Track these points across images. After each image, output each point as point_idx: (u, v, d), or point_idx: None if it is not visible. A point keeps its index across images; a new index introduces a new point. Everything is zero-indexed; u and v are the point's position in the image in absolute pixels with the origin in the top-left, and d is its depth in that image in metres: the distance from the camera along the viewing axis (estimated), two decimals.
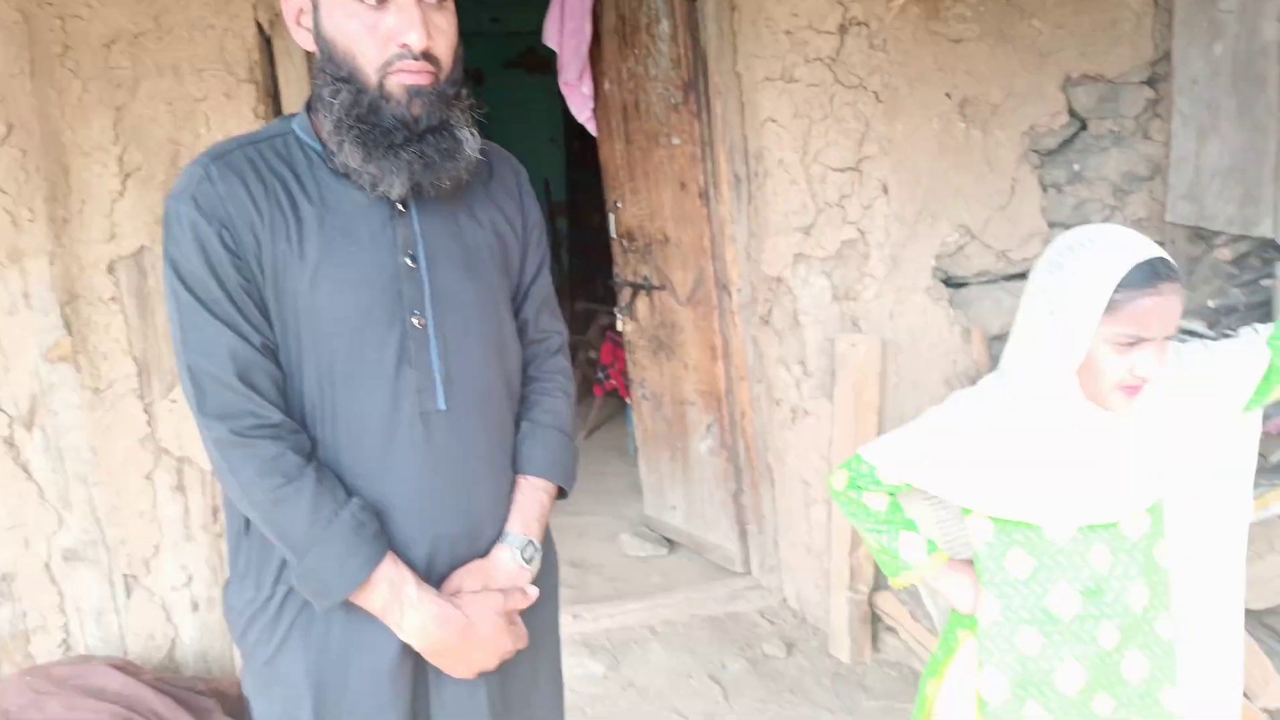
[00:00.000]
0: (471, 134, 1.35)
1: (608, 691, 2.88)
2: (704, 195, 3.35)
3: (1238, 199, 2.79)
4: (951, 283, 3.23)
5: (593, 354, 5.19)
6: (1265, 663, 1.94)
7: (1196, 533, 1.52)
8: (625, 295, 3.90)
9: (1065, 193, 3.19)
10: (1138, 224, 3.18)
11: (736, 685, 2.88)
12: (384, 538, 1.30)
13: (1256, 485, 2.23)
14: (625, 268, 3.89)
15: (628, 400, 4.24)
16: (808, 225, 3.10)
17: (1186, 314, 2.98)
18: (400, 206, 1.34)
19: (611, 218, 3.94)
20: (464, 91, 1.35)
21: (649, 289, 3.75)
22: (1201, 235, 3.04)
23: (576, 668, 2.97)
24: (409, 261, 1.33)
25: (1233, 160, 2.80)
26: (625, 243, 3.87)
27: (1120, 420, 1.44)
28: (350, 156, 1.29)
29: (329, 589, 1.28)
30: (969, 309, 3.17)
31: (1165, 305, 1.36)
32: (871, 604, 2.98)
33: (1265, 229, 2.72)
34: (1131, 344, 1.37)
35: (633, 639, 3.17)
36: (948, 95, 3.12)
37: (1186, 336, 2.00)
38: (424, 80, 1.28)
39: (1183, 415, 1.45)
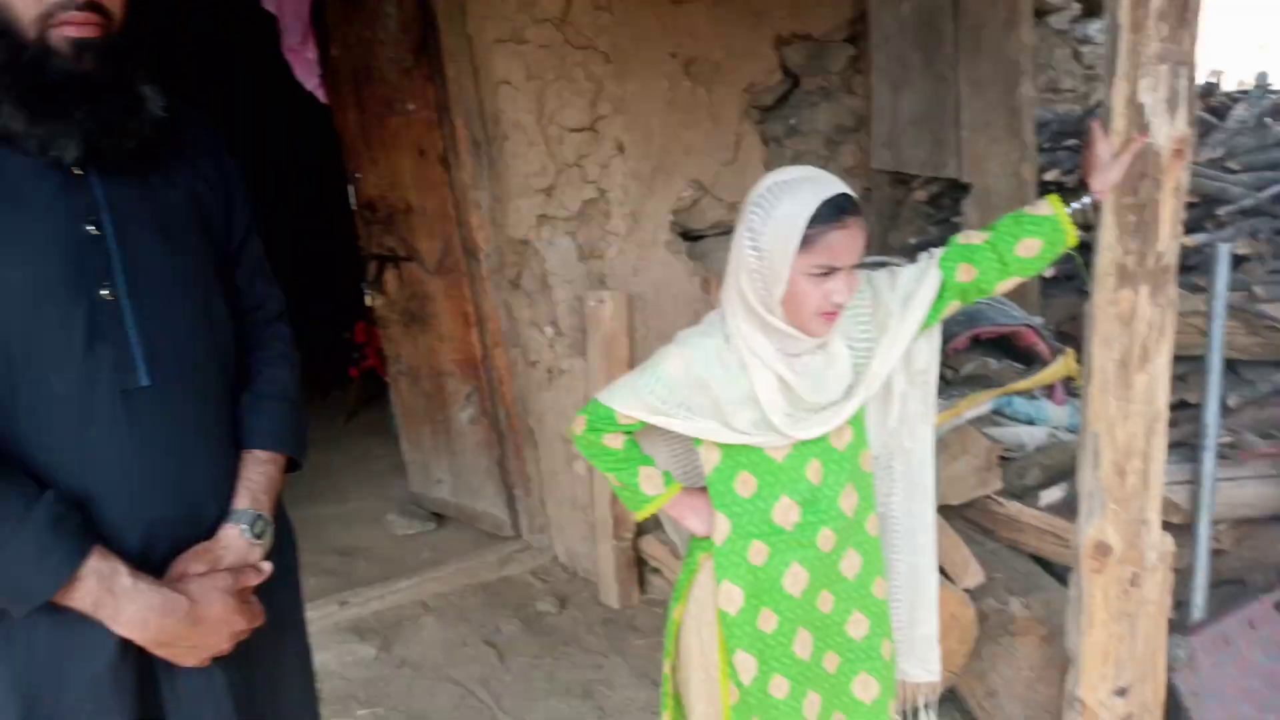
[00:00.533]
0: (154, 91, 1.26)
1: (381, 673, 2.82)
2: (444, 161, 3.29)
3: (928, 145, 3.10)
4: (689, 236, 3.38)
5: (346, 334, 5.00)
6: (964, 549, 2.20)
7: (891, 440, 1.69)
8: (372, 269, 3.78)
9: (785, 146, 3.41)
10: (848, 172, 3.46)
11: (511, 646, 2.91)
12: (88, 530, 1.20)
13: (949, 395, 2.52)
14: (369, 240, 3.76)
15: (387, 379, 4.13)
16: (549, 186, 3.14)
17: (892, 251, 3.28)
18: (78, 170, 1.23)
19: (351, 189, 3.79)
20: (146, 44, 1.26)
21: (396, 260, 3.66)
22: (902, 179, 3.35)
23: (346, 654, 2.89)
24: (92, 229, 1.23)
25: (922, 110, 3.10)
26: (367, 214, 3.74)
27: (822, 344, 1.57)
28: (12, 119, 1.17)
29: (28, 592, 1.17)
30: (706, 260, 3.33)
31: (851, 237, 1.49)
32: (636, 549, 3.10)
33: (951, 170, 3.03)
34: (825, 274, 1.49)
35: (405, 617, 3.12)
36: (673, 55, 3.23)
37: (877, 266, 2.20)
38: (91, 32, 1.18)
39: (874, 335, 1.61)
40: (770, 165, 3.40)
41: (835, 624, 1.67)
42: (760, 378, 1.55)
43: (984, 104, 2.89)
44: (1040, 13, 3.47)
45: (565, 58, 3.08)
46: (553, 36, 3.04)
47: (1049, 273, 2.84)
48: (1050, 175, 2.98)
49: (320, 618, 3.08)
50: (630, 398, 1.63)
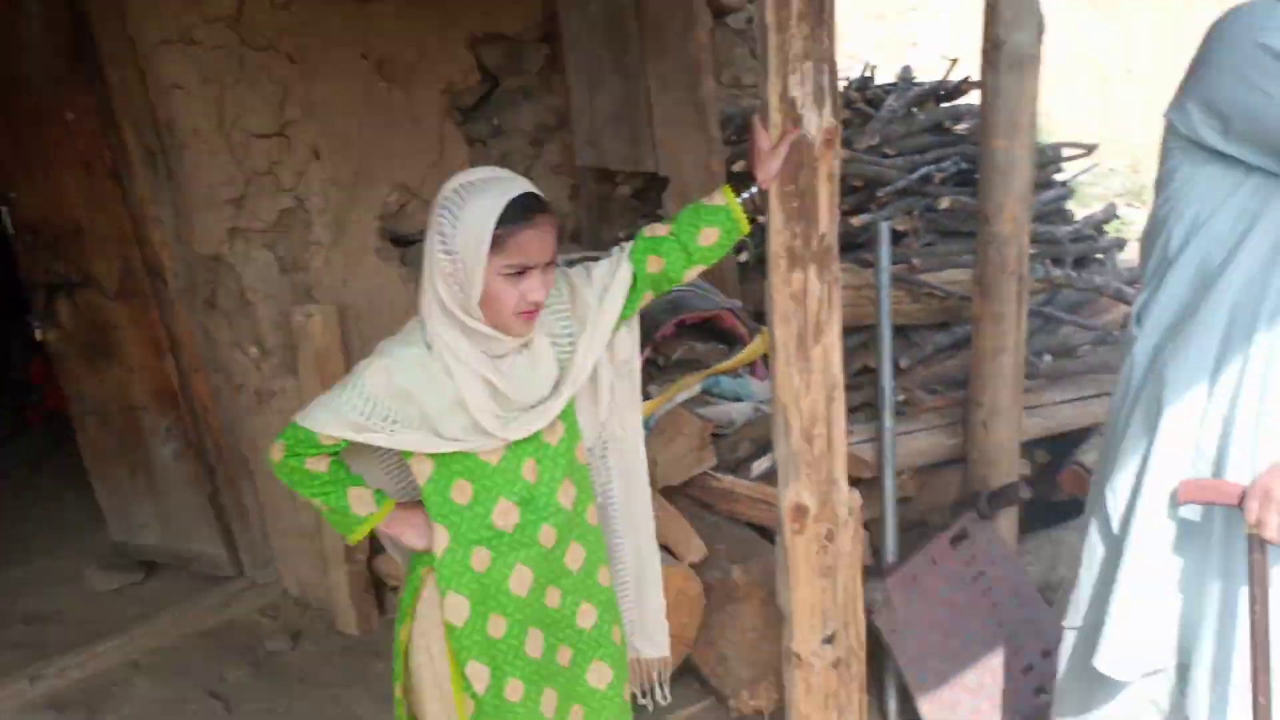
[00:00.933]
0: None
1: None
2: (115, 175, 2.98)
3: (626, 141, 3.21)
4: (400, 241, 3.29)
5: (20, 375, 4.43)
6: (686, 527, 2.31)
7: (604, 430, 1.73)
8: (40, 299, 3.36)
9: (490, 146, 3.40)
10: (553, 170, 3.51)
11: (240, 694, 2.71)
12: None
13: (661, 380, 2.63)
14: (34, 266, 3.34)
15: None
16: (239, 197, 2.94)
17: (603, 246, 3.37)
18: None
19: (5, 210, 3.35)
20: None
21: (68, 288, 3.28)
22: (607, 175, 3.44)
23: None
24: None
25: (618, 107, 3.20)
26: (28, 238, 3.32)
27: (525, 343, 1.58)
28: None
29: None
30: (421, 265, 3.25)
31: (541, 234, 1.50)
32: (372, 570, 2.98)
33: (650, 165, 3.16)
34: (520, 273, 1.49)
35: (112, 681, 2.81)
36: (364, 56, 3.12)
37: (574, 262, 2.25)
38: None
39: (575, 330, 1.63)
40: (477, 165, 3.38)
41: (565, 618, 1.68)
42: (466, 382, 1.53)
43: (672, 100, 3.02)
44: (719, 13, 3.69)
45: (244, 59, 2.89)
46: (227, 37, 2.84)
47: (742, 258, 3.03)
48: (738, 167, 3.17)
49: (6, 698, 2.72)
50: (331, 417, 1.55)
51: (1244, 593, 1.44)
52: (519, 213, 1.47)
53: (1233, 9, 1.44)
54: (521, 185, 1.51)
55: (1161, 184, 1.56)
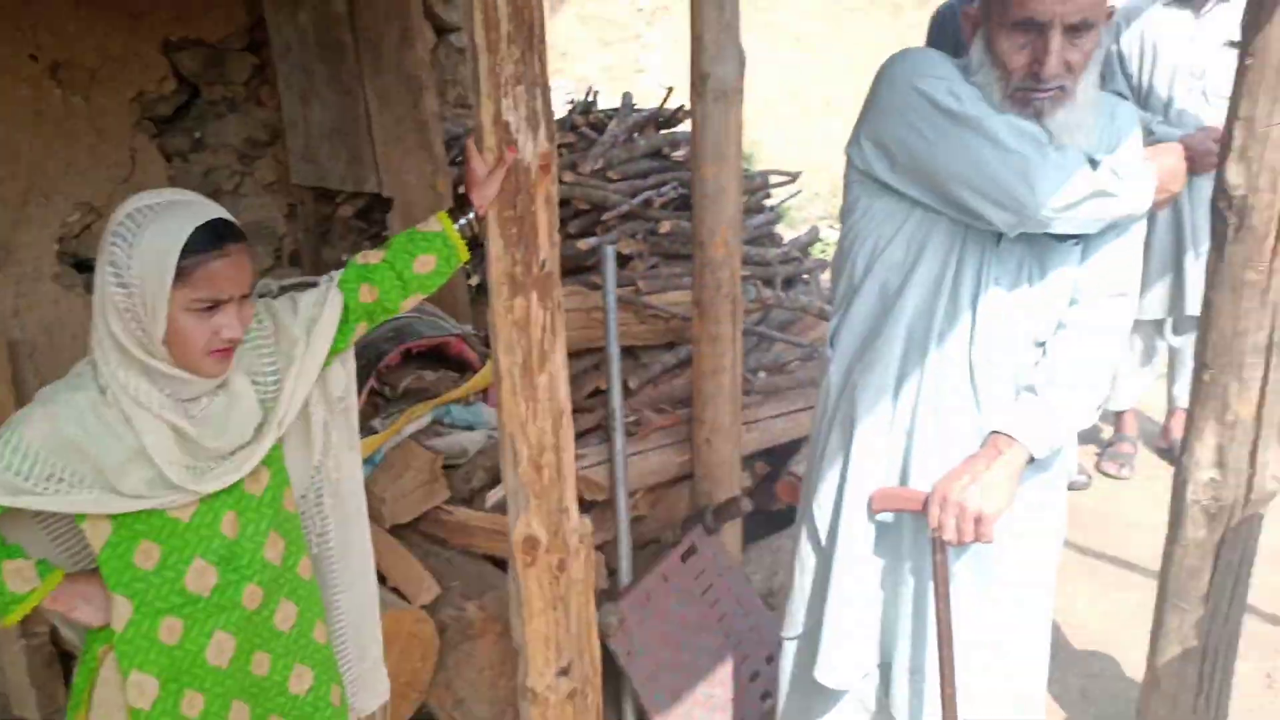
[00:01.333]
0: None
1: None
2: None
3: (346, 159, 3.05)
4: (85, 266, 2.93)
5: None
6: (416, 567, 2.21)
7: (318, 474, 1.61)
8: None
9: (191, 161, 3.12)
10: (268, 188, 3.28)
11: None
12: None
13: (388, 412, 2.51)
14: None
15: None
16: None
17: (326, 269, 3.18)
18: None
19: None
20: None
21: None
22: (328, 194, 3.26)
23: None
24: None
25: (335, 123, 3.04)
26: None
27: (221, 384, 1.43)
28: None
29: None
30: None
31: (234, 265, 1.37)
32: (56, 643, 2.61)
33: (372, 185, 3.02)
34: (211, 307, 1.35)
35: None
36: (33, 57, 2.77)
37: (280, 291, 2.10)
38: None
39: (280, 366, 1.50)
40: (177, 183, 3.09)
41: (275, 685, 1.54)
42: (149, 430, 1.37)
43: (393, 118, 2.91)
44: (441, 30, 3.60)
45: None
46: None
47: (473, 282, 2.96)
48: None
49: None
50: None
51: (932, 591, 1.57)
52: (208, 240, 1.34)
53: (897, 53, 1.58)
54: (211, 209, 1.37)
55: (845, 214, 1.68)
